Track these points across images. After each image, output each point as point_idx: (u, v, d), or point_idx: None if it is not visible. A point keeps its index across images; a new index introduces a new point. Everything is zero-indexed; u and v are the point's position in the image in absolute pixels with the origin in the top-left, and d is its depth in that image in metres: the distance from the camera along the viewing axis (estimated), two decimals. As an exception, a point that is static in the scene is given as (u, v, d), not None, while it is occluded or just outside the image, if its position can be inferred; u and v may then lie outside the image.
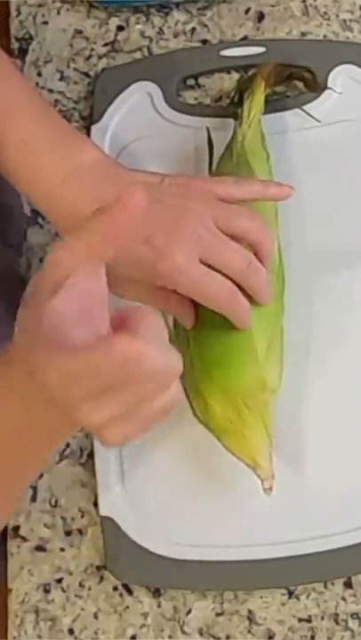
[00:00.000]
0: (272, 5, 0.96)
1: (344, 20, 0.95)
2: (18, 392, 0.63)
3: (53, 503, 0.88)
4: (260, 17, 0.96)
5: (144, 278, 0.75)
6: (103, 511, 0.85)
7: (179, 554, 0.83)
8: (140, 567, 0.84)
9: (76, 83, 0.97)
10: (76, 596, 0.85)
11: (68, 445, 0.89)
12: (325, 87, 0.92)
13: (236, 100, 0.92)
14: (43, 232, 0.94)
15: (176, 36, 0.97)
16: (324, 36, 0.95)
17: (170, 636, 0.84)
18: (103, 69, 0.97)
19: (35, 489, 0.88)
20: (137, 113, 0.94)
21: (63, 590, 0.86)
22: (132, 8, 0.97)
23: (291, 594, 0.84)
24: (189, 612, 0.84)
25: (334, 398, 0.85)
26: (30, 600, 0.86)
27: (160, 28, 0.97)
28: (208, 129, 0.90)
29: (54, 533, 0.87)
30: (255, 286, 0.77)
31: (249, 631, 0.83)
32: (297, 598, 0.84)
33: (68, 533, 0.87)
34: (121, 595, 0.85)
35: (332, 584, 0.83)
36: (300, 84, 0.94)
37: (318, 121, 0.91)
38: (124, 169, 0.78)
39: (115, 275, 0.77)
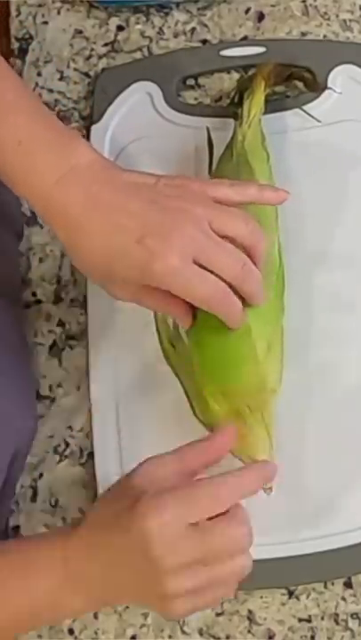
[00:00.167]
0: (272, 5, 0.96)
1: (344, 20, 0.95)
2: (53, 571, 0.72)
3: (53, 503, 0.88)
4: (260, 17, 0.96)
5: (139, 279, 0.75)
6: (103, 511, 0.85)
7: (179, 554, 0.83)
8: (140, 567, 0.84)
9: (76, 83, 0.97)
10: (76, 595, 0.85)
11: (68, 445, 0.89)
12: (325, 87, 0.92)
13: (236, 100, 0.92)
14: (43, 232, 0.94)
15: (176, 36, 0.97)
16: (324, 36, 0.95)
17: (170, 636, 0.84)
18: (103, 69, 0.97)
19: (35, 489, 0.88)
20: (137, 113, 0.94)
21: (63, 590, 0.86)
22: (132, 8, 0.97)
23: (291, 594, 0.84)
24: (189, 612, 0.84)
25: (334, 398, 0.85)
26: (30, 600, 0.86)
27: (160, 28, 0.97)
28: (208, 129, 0.90)
29: (54, 533, 0.87)
30: (249, 288, 0.77)
31: (249, 631, 0.83)
32: (297, 598, 0.84)
33: (68, 533, 0.87)
34: (121, 595, 0.85)
35: (332, 584, 0.83)
36: (300, 84, 0.94)
37: (318, 121, 0.91)
38: (119, 170, 0.78)
39: (110, 275, 0.77)
